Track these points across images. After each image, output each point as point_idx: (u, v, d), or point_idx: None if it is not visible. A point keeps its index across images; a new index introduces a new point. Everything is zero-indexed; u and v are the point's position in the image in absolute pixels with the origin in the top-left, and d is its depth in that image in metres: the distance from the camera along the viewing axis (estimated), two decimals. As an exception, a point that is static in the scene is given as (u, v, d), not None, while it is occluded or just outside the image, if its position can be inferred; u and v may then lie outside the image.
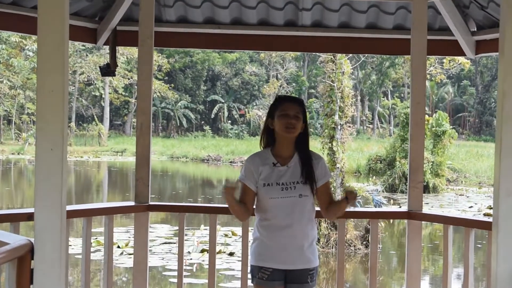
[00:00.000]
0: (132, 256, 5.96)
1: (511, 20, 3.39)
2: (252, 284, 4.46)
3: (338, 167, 18.69)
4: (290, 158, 4.37)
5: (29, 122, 62.45)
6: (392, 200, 26.76)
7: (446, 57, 32.81)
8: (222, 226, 18.61)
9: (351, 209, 5.06)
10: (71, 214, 5.09)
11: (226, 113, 72.85)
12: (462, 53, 6.32)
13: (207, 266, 6.01)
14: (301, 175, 4.34)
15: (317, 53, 29.91)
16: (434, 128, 31.36)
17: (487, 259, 5.22)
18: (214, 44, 6.95)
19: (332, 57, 19.33)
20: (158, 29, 6.00)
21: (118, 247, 15.71)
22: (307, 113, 4.50)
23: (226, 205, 4.33)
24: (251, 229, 4.67)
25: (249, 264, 4.50)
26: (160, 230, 18.91)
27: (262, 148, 4.47)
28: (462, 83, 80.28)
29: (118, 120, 73.69)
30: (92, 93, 68.08)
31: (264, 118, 4.50)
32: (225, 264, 14.92)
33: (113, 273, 5.62)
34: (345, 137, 19.35)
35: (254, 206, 4.43)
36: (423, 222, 5.76)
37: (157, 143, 58.10)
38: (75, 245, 14.73)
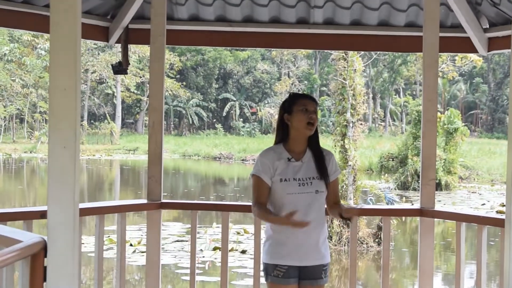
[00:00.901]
0: (144, 254, 5.97)
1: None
2: (265, 282, 4.43)
3: (350, 165, 18.67)
4: (303, 154, 4.34)
5: (41, 121, 62.64)
6: (404, 198, 26.70)
7: (458, 54, 32.70)
8: (234, 224, 18.62)
9: (364, 206, 5.05)
10: (84, 212, 5.11)
11: (237, 111, 72.84)
12: (474, 50, 6.30)
13: (219, 264, 6.02)
14: (316, 170, 4.32)
15: (328, 51, 29.90)
16: (446, 126, 31.28)
17: (500, 256, 5.21)
18: (225, 42, 6.95)
19: (344, 54, 19.29)
20: (170, 27, 6.00)
21: (131, 245, 15.75)
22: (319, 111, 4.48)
23: (238, 203, 4.31)
24: (263, 227, 4.64)
25: (262, 262, 4.43)
26: (172, 228, 18.95)
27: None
28: (474, 81, 79.96)
29: (130, 118, 73.83)
30: (104, 91, 68.24)
31: (277, 116, 4.45)
32: (238, 262, 14.93)
33: (125, 271, 5.62)
34: (357, 135, 19.31)
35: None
36: (435, 219, 5.75)
37: (169, 141, 58.14)
38: (88, 243, 14.78)
